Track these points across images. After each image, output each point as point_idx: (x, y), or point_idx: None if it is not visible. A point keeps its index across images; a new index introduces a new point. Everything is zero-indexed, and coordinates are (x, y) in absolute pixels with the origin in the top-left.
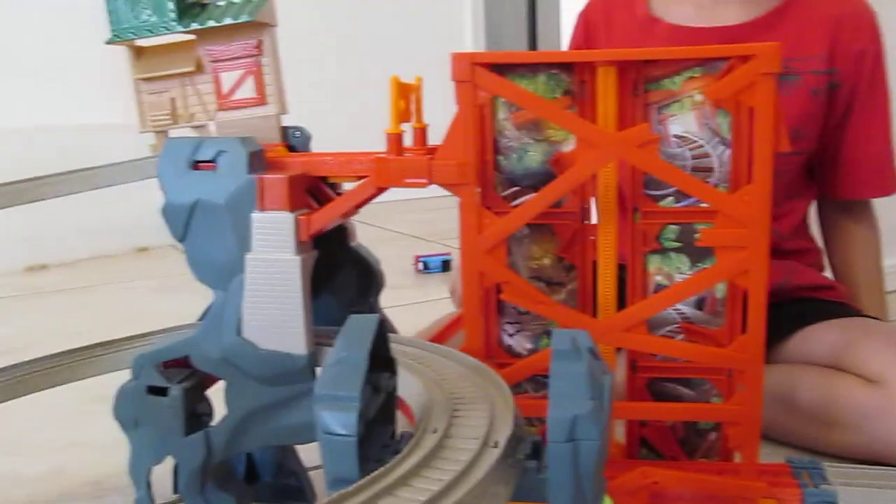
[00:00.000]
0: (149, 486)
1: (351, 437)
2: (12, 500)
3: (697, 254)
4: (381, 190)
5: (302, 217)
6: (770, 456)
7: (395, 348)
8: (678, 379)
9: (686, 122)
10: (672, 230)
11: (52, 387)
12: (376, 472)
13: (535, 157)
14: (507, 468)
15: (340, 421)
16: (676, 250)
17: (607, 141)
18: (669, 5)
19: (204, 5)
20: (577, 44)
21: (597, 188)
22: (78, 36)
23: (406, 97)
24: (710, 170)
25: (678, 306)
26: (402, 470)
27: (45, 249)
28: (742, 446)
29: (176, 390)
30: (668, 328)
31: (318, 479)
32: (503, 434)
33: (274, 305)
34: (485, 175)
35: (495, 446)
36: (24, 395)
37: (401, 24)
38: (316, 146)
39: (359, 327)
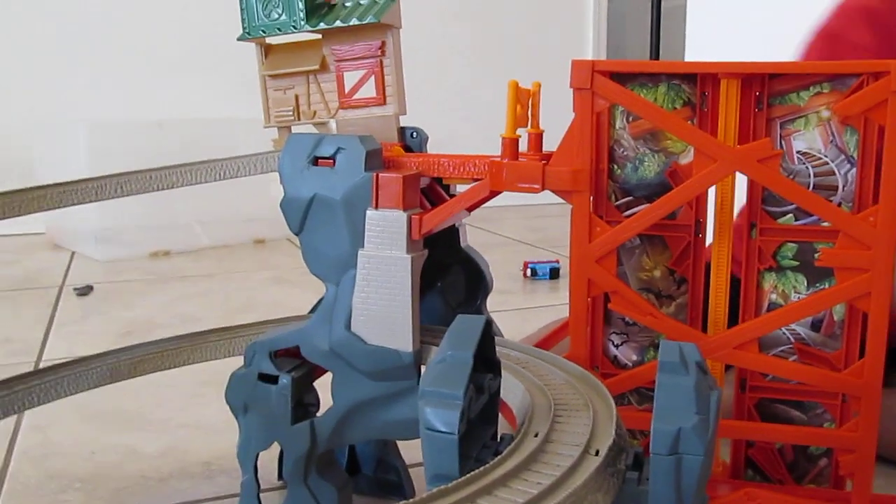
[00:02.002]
0: (256, 470)
1: (452, 434)
2: (127, 474)
3: (816, 274)
4: (494, 193)
5: (415, 216)
6: (885, 487)
7: (500, 351)
8: (789, 401)
9: (811, 138)
10: (790, 248)
11: (170, 368)
12: (476, 471)
13: (650, 167)
14: (606, 477)
15: (443, 418)
16: (794, 269)
17: (727, 154)
18: None
19: (331, 6)
20: (863, 44)
21: (714, 202)
22: (208, 32)
23: (523, 102)
24: (833, 188)
25: (793, 326)
26: (501, 471)
27: (169, 237)
28: (855, 474)
29: (285, 379)
30: (780, 348)
31: (417, 476)
32: (604, 443)
33: (383, 302)
34: (598, 183)
35: (596, 454)
36: (144, 374)
37: (523, 30)
38: (432, 147)
39: (466, 327)
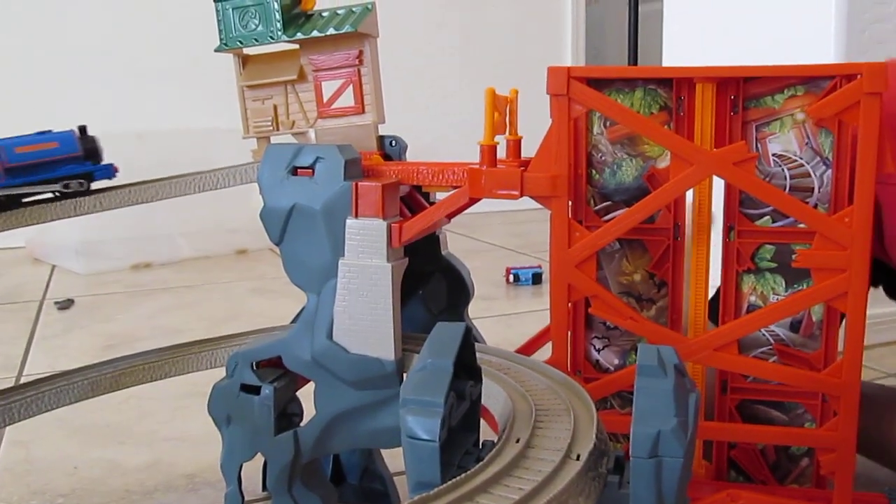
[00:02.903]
0: (240, 481)
1: (434, 442)
2: (112, 488)
3: (794, 275)
4: (473, 200)
5: (395, 224)
6: (867, 485)
7: (481, 358)
8: (770, 402)
9: (786, 140)
10: (768, 250)
11: (152, 381)
12: (457, 478)
13: (628, 172)
14: (588, 481)
15: (424, 426)
16: (772, 270)
17: (703, 158)
18: None
19: (308, 16)
20: None
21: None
22: (188, 43)
23: (501, 109)
24: (809, 190)
25: (772, 328)
26: (483, 477)
27: (151, 249)
28: (836, 473)
29: (268, 389)
30: (760, 349)
31: (402, 485)
32: (585, 447)
33: (365, 311)
34: (577, 188)
35: (577, 459)
36: (126, 387)
37: (504, 37)
38: (417, 154)
39: (445, 335)
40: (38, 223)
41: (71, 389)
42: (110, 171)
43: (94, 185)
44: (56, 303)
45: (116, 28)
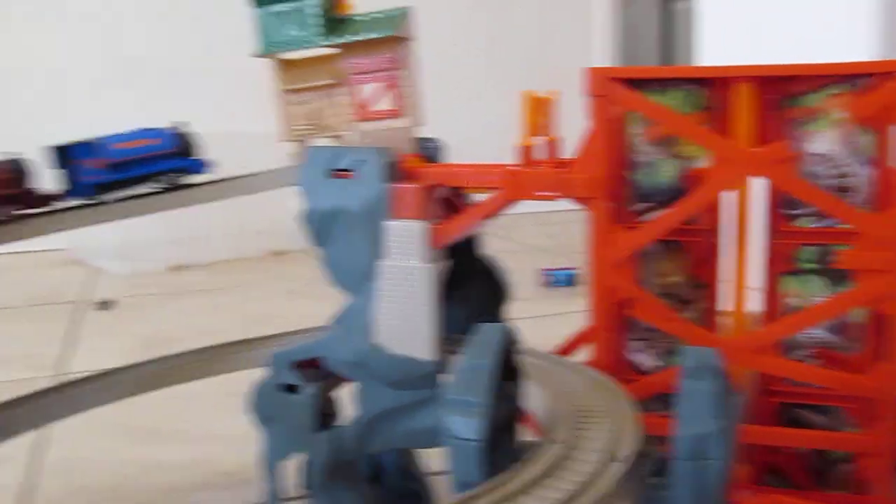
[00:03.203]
0: (279, 480)
1: (477, 442)
2: (152, 486)
3: (836, 276)
4: (512, 202)
5: (434, 226)
6: None
7: (521, 359)
8: (811, 405)
9: (827, 139)
10: (809, 251)
11: (193, 380)
12: (500, 479)
13: (667, 172)
14: (629, 483)
15: (467, 426)
16: (813, 272)
17: (743, 158)
18: None
19: (346, 20)
20: None
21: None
22: (225, 48)
23: (539, 111)
24: (851, 189)
25: (813, 330)
26: (524, 478)
27: (188, 251)
28: (877, 479)
29: (308, 389)
30: (801, 352)
31: (439, 485)
32: (627, 449)
33: (404, 312)
34: (616, 190)
35: (619, 461)
36: (167, 387)
37: (534, 37)
38: (450, 157)
39: (487, 336)
40: (81, 227)
41: (113, 388)
42: (205, 166)
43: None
44: (96, 303)
45: (153, 32)
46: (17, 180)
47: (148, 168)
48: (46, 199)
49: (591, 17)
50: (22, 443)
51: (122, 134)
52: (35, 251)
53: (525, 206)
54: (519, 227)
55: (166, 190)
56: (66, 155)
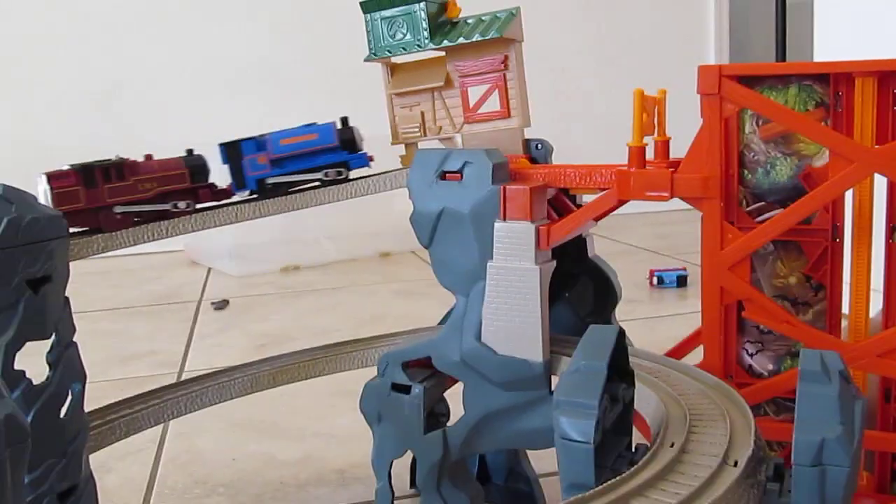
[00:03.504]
0: (390, 477)
1: (588, 444)
2: (267, 480)
3: None
4: (621, 202)
5: (542, 227)
6: None
7: (633, 361)
8: None
9: None
10: None
11: (307, 378)
12: (613, 481)
13: (783, 171)
14: (746, 488)
15: (578, 428)
16: None
17: (864, 155)
18: None
19: (454, 23)
20: None
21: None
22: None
23: (649, 110)
24: None
25: None
26: (638, 481)
27: (299, 252)
28: None
29: (418, 389)
30: None
31: (548, 486)
32: (743, 453)
33: (513, 312)
34: (729, 189)
35: (735, 465)
36: (282, 384)
37: (644, 35)
38: (558, 158)
39: (599, 337)
40: (201, 230)
41: (232, 385)
42: (365, 160)
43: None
44: (212, 303)
45: (265, 40)
46: (193, 175)
47: (309, 163)
48: (218, 193)
49: (704, 13)
50: (147, 436)
51: (287, 130)
52: (155, 252)
53: (636, 207)
54: (626, 227)
55: (324, 184)
56: (236, 151)
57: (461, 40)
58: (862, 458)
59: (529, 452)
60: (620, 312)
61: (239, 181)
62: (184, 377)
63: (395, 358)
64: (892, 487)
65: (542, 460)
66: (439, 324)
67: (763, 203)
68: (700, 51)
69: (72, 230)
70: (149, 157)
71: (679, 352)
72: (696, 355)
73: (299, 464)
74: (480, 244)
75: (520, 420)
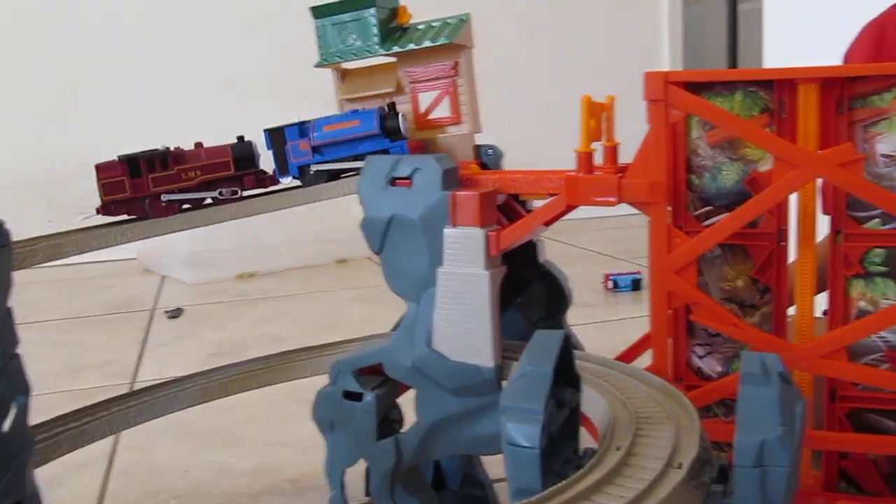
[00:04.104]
0: (343, 486)
1: (534, 448)
2: (220, 491)
3: None
4: (570, 208)
5: (492, 233)
6: None
7: (581, 365)
8: (882, 410)
9: (895, 140)
10: (878, 254)
11: (260, 387)
12: (558, 485)
13: (729, 176)
14: (690, 490)
15: (524, 433)
16: (882, 275)
17: (807, 160)
18: None
19: (405, 29)
20: (863, 58)
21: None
22: (285, 59)
23: (597, 116)
24: None
25: (883, 333)
26: (584, 484)
27: (255, 259)
28: None
29: (370, 396)
30: (871, 356)
31: (502, 491)
32: (688, 455)
33: (464, 318)
34: (677, 194)
35: (679, 467)
36: (235, 394)
37: (600, 42)
38: (513, 163)
39: (544, 342)
40: (149, 237)
41: (183, 395)
42: (405, 149)
43: None
44: (166, 312)
45: (217, 46)
46: (238, 163)
47: (351, 150)
48: (263, 181)
49: (660, 21)
50: (99, 448)
51: (331, 116)
52: (108, 260)
53: (593, 211)
54: (582, 231)
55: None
56: (280, 137)
57: (411, 46)
58: (810, 458)
59: (484, 458)
60: (575, 316)
61: (283, 168)
62: (136, 387)
63: (347, 365)
64: (840, 486)
65: (496, 465)
66: (392, 330)
67: (710, 207)
68: (655, 58)
69: (122, 218)
70: (198, 145)
71: (629, 355)
72: (648, 358)
73: (253, 473)
74: (431, 250)
75: (472, 426)
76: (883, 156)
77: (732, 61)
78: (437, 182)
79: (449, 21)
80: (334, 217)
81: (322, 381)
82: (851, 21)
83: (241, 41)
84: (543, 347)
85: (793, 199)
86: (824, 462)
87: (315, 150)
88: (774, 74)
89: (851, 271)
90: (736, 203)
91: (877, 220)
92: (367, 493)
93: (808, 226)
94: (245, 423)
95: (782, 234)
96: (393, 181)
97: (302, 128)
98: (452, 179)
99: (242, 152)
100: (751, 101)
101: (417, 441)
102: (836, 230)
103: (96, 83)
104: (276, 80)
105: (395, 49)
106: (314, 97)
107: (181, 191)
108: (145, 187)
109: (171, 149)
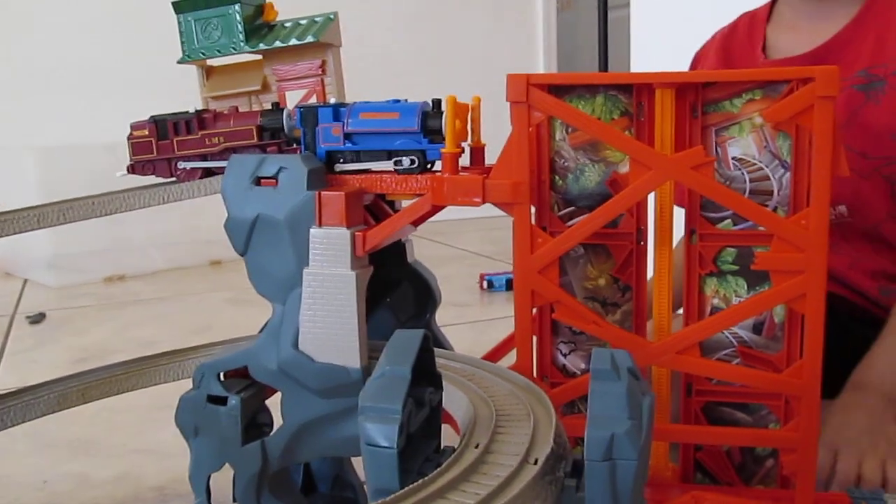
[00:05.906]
0: (209, 492)
1: (392, 448)
2: (80, 501)
3: (756, 277)
4: (436, 208)
5: (358, 233)
6: None
7: (444, 364)
8: (735, 403)
9: (745, 144)
10: (730, 253)
11: (119, 393)
12: (415, 485)
13: (591, 177)
14: (544, 485)
15: (382, 433)
16: (734, 273)
17: (661, 162)
18: (780, 37)
19: (271, 27)
20: (713, 66)
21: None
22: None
23: (462, 117)
24: (769, 193)
25: (735, 330)
26: (440, 483)
27: (124, 261)
28: (797, 473)
29: (234, 400)
30: (724, 352)
31: None
32: (543, 451)
33: (330, 319)
34: (540, 195)
35: (534, 463)
36: (93, 400)
37: (471, 45)
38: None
39: (403, 342)
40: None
41: (38, 403)
42: (438, 154)
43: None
44: (27, 317)
45: (83, 40)
46: (262, 133)
47: (385, 143)
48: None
49: (534, 25)
50: None
51: (372, 103)
52: None
53: (464, 212)
54: (458, 232)
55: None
56: (313, 116)
57: (277, 44)
58: (666, 451)
59: (354, 460)
60: (450, 316)
61: (311, 147)
62: None
63: (211, 369)
64: (696, 477)
65: None
66: (259, 332)
67: (573, 208)
68: (531, 62)
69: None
70: (234, 108)
71: (495, 354)
72: (514, 357)
73: (116, 482)
74: (297, 251)
75: (339, 427)
76: (734, 159)
77: (604, 65)
78: (303, 181)
79: (316, 19)
80: (207, 217)
81: (187, 385)
82: (713, 29)
83: (109, 34)
84: (402, 347)
85: (651, 200)
86: (681, 454)
87: (347, 137)
88: (633, 79)
89: (706, 270)
90: (598, 204)
91: (728, 220)
92: (235, 499)
93: (664, 226)
94: (108, 430)
95: (641, 234)
96: (258, 181)
97: (336, 111)
98: (318, 179)
99: (270, 122)
100: (611, 104)
101: (284, 444)
102: (690, 230)
103: None
104: (148, 74)
105: (261, 46)
106: (192, 94)
107: (203, 157)
108: (170, 150)
109: (204, 112)
